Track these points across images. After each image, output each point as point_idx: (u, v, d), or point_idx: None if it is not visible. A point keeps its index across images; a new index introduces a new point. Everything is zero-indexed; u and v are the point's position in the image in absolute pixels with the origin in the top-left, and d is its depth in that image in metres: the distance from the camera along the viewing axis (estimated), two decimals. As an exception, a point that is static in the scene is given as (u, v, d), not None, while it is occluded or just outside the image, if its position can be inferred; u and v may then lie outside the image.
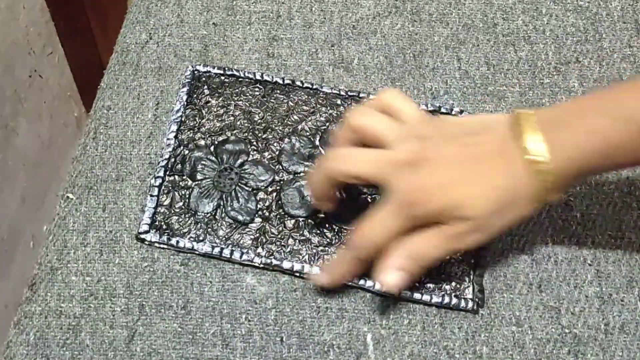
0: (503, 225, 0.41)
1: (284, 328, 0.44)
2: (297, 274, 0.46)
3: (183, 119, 0.51)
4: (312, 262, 0.46)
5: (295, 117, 0.51)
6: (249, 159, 0.50)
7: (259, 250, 0.46)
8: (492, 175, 0.40)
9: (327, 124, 0.51)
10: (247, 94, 0.53)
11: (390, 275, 0.41)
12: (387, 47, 0.56)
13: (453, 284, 0.46)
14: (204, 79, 0.53)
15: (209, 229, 0.47)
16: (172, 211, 0.48)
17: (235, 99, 0.52)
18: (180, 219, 0.47)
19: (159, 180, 0.49)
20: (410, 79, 0.55)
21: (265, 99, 0.52)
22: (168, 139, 0.50)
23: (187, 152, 0.50)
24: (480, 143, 0.41)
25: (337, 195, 0.46)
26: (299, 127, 0.51)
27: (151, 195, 0.48)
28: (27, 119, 0.86)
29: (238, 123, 0.51)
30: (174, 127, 0.51)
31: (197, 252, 0.46)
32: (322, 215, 0.47)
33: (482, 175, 0.40)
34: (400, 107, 0.44)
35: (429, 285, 0.45)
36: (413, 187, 0.40)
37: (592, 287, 0.46)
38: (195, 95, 0.53)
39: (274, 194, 0.48)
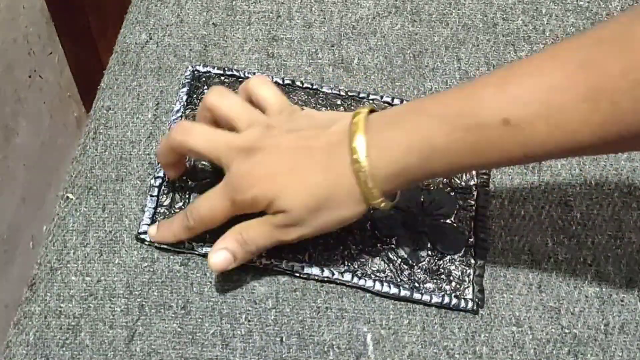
0: (326, 222, 0.41)
1: (284, 328, 0.44)
2: (297, 274, 0.46)
3: (183, 119, 0.51)
4: (311, 263, 0.46)
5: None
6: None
7: (259, 250, 0.46)
8: (315, 171, 0.40)
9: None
10: (247, 94, 0.53)
11: (217, 255, 0.43)
12: (387, 47, 0.56)
13: (453, 284, 0.46)
14: (203, 79, 0.53)
15: (209, 229, 0.47)
16: (172, 211, 0.48)
17: (235, 99, 0.52)
18: (180, 219, 0.47)
19: (158, 181, 0.49)
20: (410, 79, 0.55)
21: (265, 99, 0.52)
22: (168, 139, 0.50)
23: (187, 152, 0.50)
24: (316, 137, 0.41)
25: (183, 165, 0.48)
26: (299, 127, 0.51)
27: (151, 196, 0.48)
28: (27, 119, 0.86)
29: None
30: (174, 127, 0.51)
31: (197, 253, 0.46)
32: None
33: (307, 170, 0.40)
34: (263, 94, 0.44)
35: (429, 285, 0.45)
36: (240, 173, 0.41)
37: (592, 287, 0.46)
38: (195, 96, 0.53)
39: (274, 194, 0.48)
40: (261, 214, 0.42)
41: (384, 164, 0.39)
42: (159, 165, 0.49)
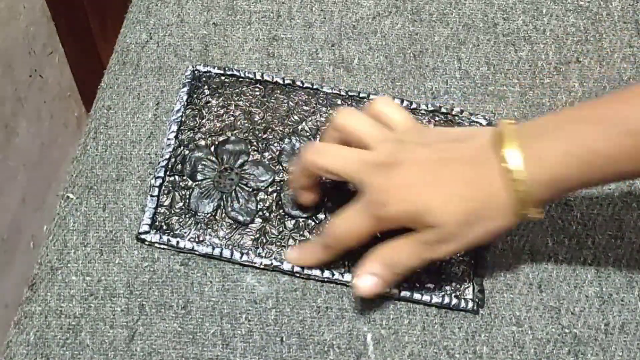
0: (477, 237, 0.40)
1: (284, 328, 0.44)
2: (297, 275, 0.46)
3: (183, 119, 0.51)
4: (312, 262, 0.46)
5: (296, 117, 0.51)
6: (249, 159, 0.50)
7: (259, 250, 0.46)
8: (461, 184, 0.39)
9: (328, 124, 0.51)
10: (248, 94, 0.53)
11: (364, 280, 0.42)
12: (388, 47, 0.56)
13: (453, 284, 0.46)
14: (204, 79, 0.53)
15: (209, 230, 0.47)
16: (173, 211, 0.48)
17: (236, 99, 0.52)
18: (181, 219, 0.47)
19: (159, 181, 0.49)
20: (410, 79, 0.55)
21: (265, 99, 0.52)
22: (168, 139, 0.50)
23: (187, 152, 0.50)
24: (457, 149, 0.40)
25: (317, 190, 0.46)
26: (299, 127, 0.51)
27: (151, 196, 0.48)
28: (27, 119, 0.86)
29: (238, 123, 0.51)
30: (174, 127, 0.51)
31: (197, 253, 0.46)
32: (323, 216, 0.47)
33: (452, 182, 0.39)
34: (389, 114, 0.44)
35: (429, 285, 0.45)
36: (382, 188, 0.40)
37: (592, 287, 0.46)
38: (195, 95, 0.53)
39: (274, 195, 0.48)
40: (399, 232, 0.41)
41: (541, 173, 0.38)
42: (159, 165, 0.49)
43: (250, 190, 0.48)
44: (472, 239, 0.40)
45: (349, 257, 0.46)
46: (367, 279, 0.42)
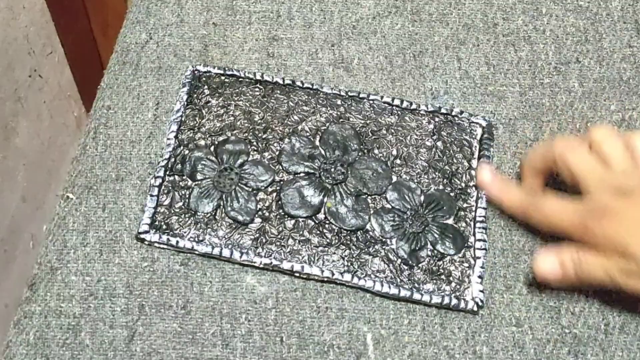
0: None
1: (284, 328, 0.44)
2: (297, 274, 0.46)
3: (183, 119, 0.51)
4: (311, 263, 0.46)
5: (296, 117, 0.51)
6: (249, 159, 0.50)
7: (259, 250, 0.46)
8: None
9: (327, 124, 0.51)
10: (247, 94, 0.53)
11: (546, 260, 0.44)
12: (387, 47, 0.56)
13: (453, 284, 0.46)
14: (204, 79, 0.53)
15: (209, 229, 0.47)
16: (172, 211, 0.48)
17: (236, 99, 0.52)
18: (180, 219, 0.47)
19: (158, 180, 0.49)
20: (410, 79, 0.55)
21: (265, 99, 0.52)
22: (168, 138, 0.50)
23: (187, 152, 0.50)
24: None
25: (543, 180, 0.48)
26: (299, 127, 0.51)
27: (151, 195, 0.48)
28: (27, 119, 0.86)
29: (238, 123, 0.51)
30: (174, 127, 0.51)
31: (197, 252, 0.46)
32: (322, 216, 0.47)
33: None
34: (608, 151, 0.44)
35: (428, 286, 0.45)
36: (603, 207, 0.42)
37: (592, 287, 0.46)
38: (195, 95, 0.53)
39: (274, 194, 0.48)
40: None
41: None
42: (159, 165, 0.49)
43: (250, 190, 0.48)
44: None
45: (350, 256, 0.46)
46: (550, 261, 0.43)
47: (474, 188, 0.49)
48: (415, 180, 0.49)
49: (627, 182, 0.42)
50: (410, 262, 0.46)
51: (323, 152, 0.50)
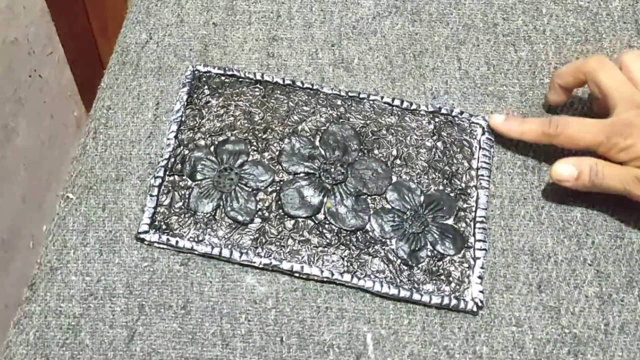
0: None
1: (284, 328, 0.44)
2: (297, 275, 0.46)
3: (183, 119, 0.51)
4: (311, 263, 0.46)
5: (296, 117, 0.51)
6: (249, 159, 0.50)
7: (259, 250, 0.46)
8: None
9: (327, 124, 0.51)
10: (248, 94, 0.53)
11: (564, 167, 0.46)
12: (387, 47, 0.56)
13: (452, 285, 0.46)
14: (204, 79, 0.53)
15: (209, 229, 0.47)
16: (172, 211, 0.48)
17: (236, 99, 0.52)
18: (180, 219, 0.47)
19: (158, 180, 0.49)
20: (410, 79, 0.55)
21: (265, 99, 0.52)
22: (168, 138, 0.50)
23: (187, 152, 0.50)
24: None
25: (569, 95, 0.51)
26: (299, 127, 0.51)
27: (151, 195, 0.48)
28: (27, 119, 0.86)
29: (238, 123, 0.51)
30: (174, 127, 0.51)
31: (196, 252, 0.46)
32: (322, 216, 0.48)
33: None
34: (637, 72, 0.47)
35: (428, 286, 0.45)
36: (627, 122, 0.45)
37: (592, 287, 0.46)
38: (195, 95, 0.53)
39: (274, 195, 0.48)
40: None
41: None
42: (159, 165, 0.49)
43: (250, 190, 0.48)
44: None
45: (349, 257, 0.46)
46: (569, 168, 0.46)
47: (474, 188, 0.49)
48: (415, 181, 0.49)
49: None
50: (410, 262, 0.46)
51: (323, 152, 0.50)
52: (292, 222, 0.47)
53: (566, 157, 0.47)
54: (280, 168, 0.49)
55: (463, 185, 0.49)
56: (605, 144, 0.45)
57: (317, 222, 0.47)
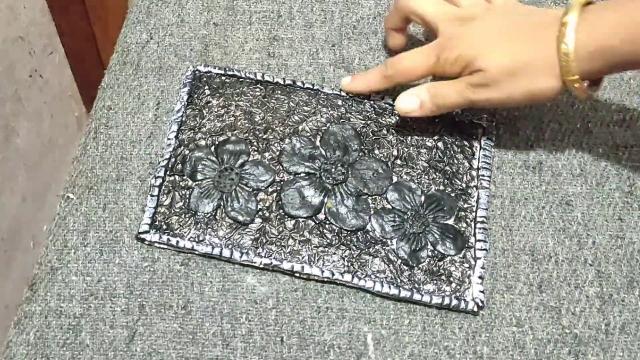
0: (517, 90, 0.44)
1: (284, 328, 0.44)
2: (297, 275, 0.46)
3: (184, 119, 0.51)
4: (312, 263, 0.46)
5: (296, 117, 0.51)
6: (250, 159, 0.50)
7: (259, 250, 0.46)
8: (520, 40, 0.44)
9: (328, 124, 0.51)
10: (248, 95, 0.53)
11: (405, 99, 0.48)
12: (388, 47, 0.56)
13: (453, 285, 0.46)
14: (204, 79, 0.53)
15: (209, 229, 0.47)
16: (173, 211, 0.48)
17: (236, 99, 0.52)
18: (181, 219, 0.47)
19: (159, 180, 0.49)
20: (410, 79, 0.55)
21: (266, 99, 0.52)
22: (169, 139, 0.50)
23: (187, 152, 0.50)
24: (530, 16, 0.46)
25: (404, 35, 0.53)
26: (300, 127, 0.51)
27: (151, 195, 0.48)
28: (28, 119, 0.86)
29: (239, 123, 0.51)
30: (175, 127, 0.51)
31: (197, 252, 0.46)
32: (323, 216, 0.47)
33: (512, 37, 0.44)
34: None
35: (429, 286, 0.45)
36: (450, 35, 0.46)
37: (593, 288, 0.46)
38: (196, 96, 0.53)
39: (274, 195, 0.48)
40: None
41: (588, 40, 0.41)
42: (159, 165, 0.49)
43: (250, 190, 0.48)
44: (512, 91, 0.44)
45: (350, 257, 0.46)
46: (410, 99, 0.48)
47: (474, 188, 0.49)
48: (416, 181, 0.49)
49: (471, 11, 0.47)
50: (410, 262, 0.46)
51: (323, 152, 0.50)
52: (293, 222, 0.47)
53: (405, 91, 0.48)
54: (281, 168, 0.49)
55: (464, 185, 0.49)
56: (438, 64, 0.46)
57: (317, 222, 0.47)
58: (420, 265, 0.46)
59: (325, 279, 0.46)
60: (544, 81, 0.43)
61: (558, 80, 0.43)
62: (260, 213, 0.47)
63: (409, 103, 0.48)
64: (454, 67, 0.46)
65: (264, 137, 0.51)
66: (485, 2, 0.48)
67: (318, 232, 0.47)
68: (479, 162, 0.50)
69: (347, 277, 0.45)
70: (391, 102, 0.52)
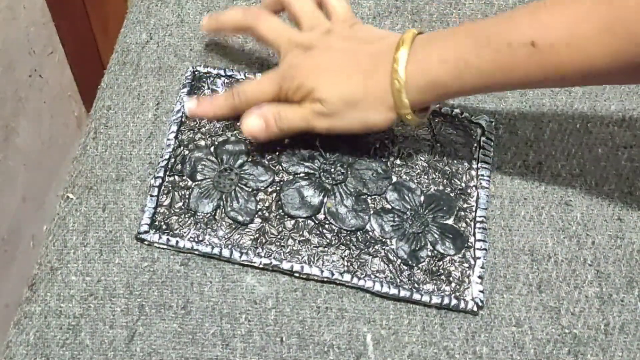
0: (355, 120, 0.46)
1: (284, 328, 0.44)
2: (297, 275, 0.46)
3: (183, 119, 0.51)
4: (311, 263, 0.46)
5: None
6: (249, 160, 0.50)
7: (259, 250, 0.46)
8: (357, 72, 0.45)
9: None
10: (247, 94, 0.53)
11: (251, 120, 0.48)
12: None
13: (453, 285, 0.46)
14: (204, 79, 0.53)
15: (209, 229, 0.47)
16: (172, 211, 0.48)
17: (236, 99, 0.52)
18: (180, 219, 0.47)
19: (159, 181, 0.49)
20: (410, 79, 0.55)
21: (265, 99, 0.52)
22: (168, 139, 0.50)
23: (187, 152, 0.50)
24: (368, 45, 0.46)
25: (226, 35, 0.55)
26: (299, 127, 0.51)
27: (151, 196, 0.48)
28: (28, 119, 0.86)
29: (238, 124, 0.51)
30: (175, 128, 0.51)
31: (196, 253, 0.46)
32: (322, 216, 0.47)
33: (350, 70, 0.45)
34: (332, 2, 0.49)
35: (428, 286, 0.45)
36: (292, 65, 0.47)
37: (592, 288, 0.46)
38: (195, 96, 0.53)
39: (274, 195, 0.48)
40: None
41: (418, 75, 0.43)
42: (159, 165, 0.49)
43: (250, 190, 0.48)
44: (351, 121, 0.46)
45: (349, 257, 0.46)
46: (254, 119, 0.48)
47: (474, 188, 0.49)
48: (415, 181, 0.49)
49: (310, 37, 0.48)
50: (410, 262, 0.46)
51: (323, 152, 0.50)
52: (292, 222, 0.47)
53: (250, 111, 0.48)
54: (280, 168, 0.49)
55: (463, 185, 0.49)
56: (282, 92, 0.47)
57: (317, 222, 0.47)
58: (420, 265, 0.46)
59: (325, 279, 0.46)
60: (378, 113, 0.45)
61: (392, 111, 0.45)
62: (259, 213, 0.48)
63: (255, 125, 0.48)
64: (295, 95, 0.47)
65: (264, 137, 0.51)
66: (324, 23, 0.49)
67: (318, 232, 0.47)
68: (478, 162, 0.50)
69: (347, 277, 0.45)
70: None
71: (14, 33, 0.81)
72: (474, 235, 0.47)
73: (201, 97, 0.52)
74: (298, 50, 0.47)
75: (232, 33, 0.55)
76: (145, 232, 0.47)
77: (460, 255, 0.47)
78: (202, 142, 0.50)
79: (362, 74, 0.45)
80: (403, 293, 0.45)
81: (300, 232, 0.47)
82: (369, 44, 0.46)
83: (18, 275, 0.86)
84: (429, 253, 0.46)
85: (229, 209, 0.47)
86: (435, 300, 0.45)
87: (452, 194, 0.49)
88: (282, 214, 0.47)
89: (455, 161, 0.50)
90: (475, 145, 0.51)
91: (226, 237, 0.47)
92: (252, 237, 0.47)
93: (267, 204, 0.48)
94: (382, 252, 0.46)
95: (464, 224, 0.48)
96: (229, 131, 0.51)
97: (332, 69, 0.46)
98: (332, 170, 0.49)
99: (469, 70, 0.42)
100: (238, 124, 0.51)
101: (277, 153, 0.50)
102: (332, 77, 0.46)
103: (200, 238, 0.47)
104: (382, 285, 0.45)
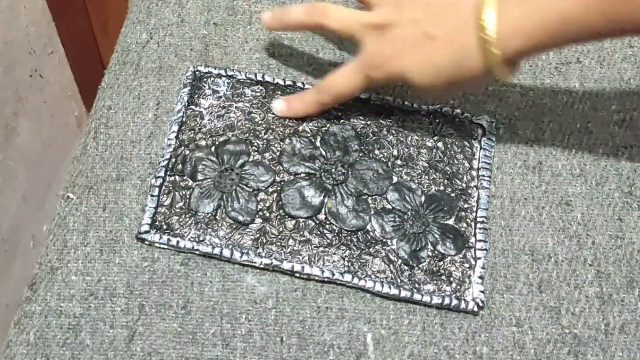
0: (448, 88, 0.45)
1: (284, 328, 0.44)
2: (297, 275, 0.46)
3: (184, 119, 0.51)
4: (312, 263, 0.46)
5: (296, 118, 0.51)
6: (250, 160, 0.50)
7: (259, 250, 0.46)
8: (441, 41, 0.44)
9: (328, 125, 0.51)
10: (248, 95, 0.53)
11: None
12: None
13: (453, 285, 0.46)
14: (205, 79, 0.53)
15: (209, 229, 0.47)
16: (173, 211, 0.48)
17: (236, 99, 0.52)
18: (181, 219, 0.47)
19: (159, 180, 0.49)
20: (410, 79, 0.55)
21: (266, 99, 0.52)
22: (169, 139, 0.50)
23: (187, 152, 0.50)
24: (446, 10, 0.44)
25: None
26: (300, 128, 0.51)
27: (152, 195, 0.48)
28: (28, 119, 0.86)
29: (239, 124, 0.51)
30: (175, 127, 0.51)
31: (197, 252, 0.46)
32: (323, 217, 0.48)
33: (433, 42, 0.44)
34: None
35: (429, 286, 0.45)
36: (372, 52, 0.46)
37: (593, 288, 0.46)
38: (196, 96, 0.53)
39: (275, 195, 0.48)
40: None
41: (512, 37, 0.42)
42: (160, 165, 0.49)
43: (251, 190, 0.48)
44: (445, 91, 0.47)
45: (350, 257, 0.46)
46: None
47: (474, 189, 0.49)
48: (416, 181, 0.49)
49: (382, 15, 0.46)
50: (410, 262, 0.46)
51: (324, 152, 0.50)
52: (293, 222, 0.47)
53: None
54: (281, 168, 0.49)
55: (464, 185, 0.49)
56: (372, 83, 0.47)
57: (317, 222, 0.47)
58: (421, 265, 0.46)
59: (326, 279, 0.46)
60: (474, 86, 0.46)
61: (484, 70, 0.44)
62: (260, 213, 0.48)
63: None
64: (385, 81, 0.47)
65: (264, 137, 0.51)
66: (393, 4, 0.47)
67: (318, 232, 0.47)
68: (479, 162, 0.50)
69: (347, 277, 0.45)
70: (391, 102, 0.52)
71: (14, 33, 0.81)
72: (475, 235, 0.47)
73: (288, 98, 0.51)
74: (375, 34, 0.46)
75: (298, 31, 0.54)
76: (146, 232, 0.47)
77: (460, 256, 0.47)
78: (203, 142, 0.50)
79: (447, 41, 0.43)
80: (404, 293, 0.45)
81: (301, 232, 0.47)
82: (445, 6, 0.44)
83: (18, 275, 0.86)
84: (430, 253, 0.46)
85: (230, 209, 0.47)
86: (436, 300, 0.45)
87: (452, 194, 0.49)
88: (283, 214, 0.47)
89: (455, 161, 0.50)
90: (476, 145, 0.51)
91: (227, 237, 0.47)
92: (252, 237, 0.47)
93: (267, 204, 0.48)
94: (382, 252, 0.46)
95: (464, 224, 0.48)
96: (229, 131, 0.51)
97: (414, 44, 0.44)
98: (333, 170, 0.49)
99: (569, 25, 0.41)
100: (239, 123, 0.51)
101: (277, 153, 0.50)
102: (417, 55, 0.44)
103: (201, 238, 0.47)
104: (382, 286, 0.45)
